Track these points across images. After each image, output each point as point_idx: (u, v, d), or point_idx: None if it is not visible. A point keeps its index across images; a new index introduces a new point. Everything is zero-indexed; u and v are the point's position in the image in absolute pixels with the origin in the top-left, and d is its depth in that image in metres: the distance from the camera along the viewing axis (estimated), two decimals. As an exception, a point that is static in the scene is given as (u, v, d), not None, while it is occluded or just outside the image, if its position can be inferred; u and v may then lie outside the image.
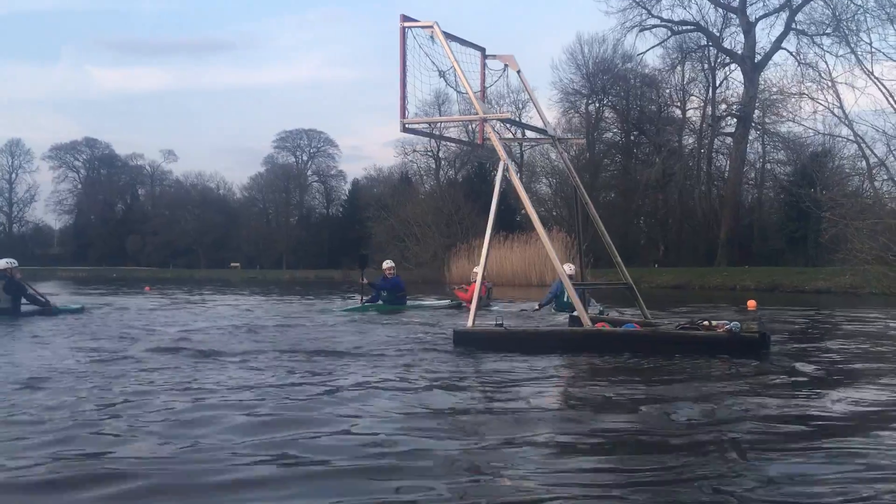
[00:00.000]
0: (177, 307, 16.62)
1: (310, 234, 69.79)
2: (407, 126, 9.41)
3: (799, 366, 7.09)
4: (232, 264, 66.76)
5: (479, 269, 8.66)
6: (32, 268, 50.05)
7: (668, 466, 3.73)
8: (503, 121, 10.09)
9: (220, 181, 78.56)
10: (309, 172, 75.83)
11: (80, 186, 79.90)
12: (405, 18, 9.02)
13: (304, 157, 75.49)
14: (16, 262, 12.56)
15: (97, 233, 74.61)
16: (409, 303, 15.44)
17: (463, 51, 9.87)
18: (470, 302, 16.59)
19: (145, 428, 4.46)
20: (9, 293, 11.98)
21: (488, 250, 8.53)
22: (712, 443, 4.22)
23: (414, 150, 60.66)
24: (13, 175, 78.80)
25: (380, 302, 14.84)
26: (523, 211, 52.52)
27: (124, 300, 19.03)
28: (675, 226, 49.12)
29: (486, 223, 8.71)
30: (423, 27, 9.04)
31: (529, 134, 11.64)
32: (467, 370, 6.73)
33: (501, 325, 8.15)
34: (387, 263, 15.58)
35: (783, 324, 12.10)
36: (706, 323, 7.86)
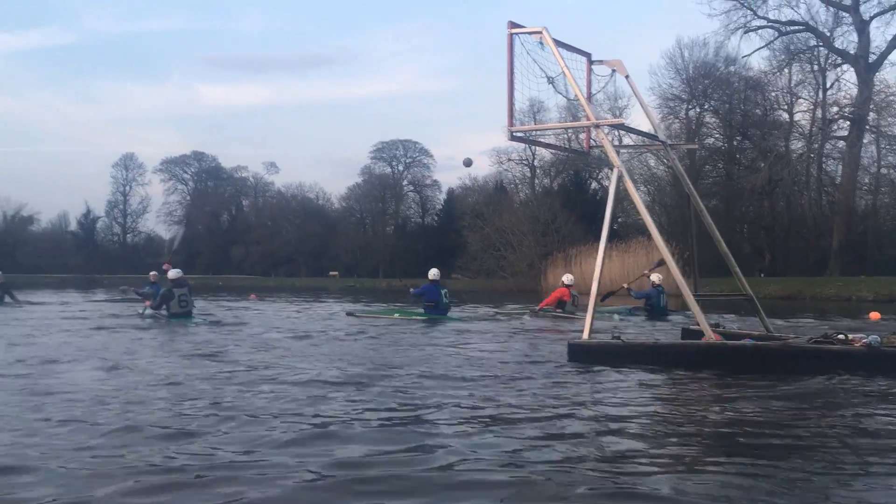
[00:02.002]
0: (291, 315, 17.06)
1: (405, 244, 70.54)
2: (514, 134, 9.29)
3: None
4: (330, 273, 68.18)
5: (594, 276, 8.36)
6: (144, 276, 52.42)
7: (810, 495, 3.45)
8: (614, 127, 9.80)
9: (318, 192, 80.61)
10: (405, 182, 76.77)
11: (188, 198, 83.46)
12: (513, 25, 8.90)
13: (400, 167, 76.55)
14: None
15: (204, 242, 77.57)
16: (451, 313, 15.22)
17: (568, 56, 9.68)
18: (551, 307, 16.49)
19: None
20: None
21: (604, 258, 8.27)
22: (856, 471, 3.89)
23: (509, 160, 60.57)
24: (127, 188, 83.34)
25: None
26: (620, 219, 51.61)
27: (236, 306, 19.71)
28: (782, 233, 47.06)
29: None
30: (530, 33, 8.90)
31: (626, 139, 11.36)
32: (585, 387, 6.48)
33: (618, 337, 7.87)
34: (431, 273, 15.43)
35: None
36: (841, 336, 7.36)
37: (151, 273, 20.02)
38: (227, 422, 4.94)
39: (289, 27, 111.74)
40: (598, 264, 8.25)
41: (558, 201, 48.47)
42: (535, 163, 59.63)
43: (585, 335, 7.99)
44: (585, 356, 7.73)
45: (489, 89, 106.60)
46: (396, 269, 66.47)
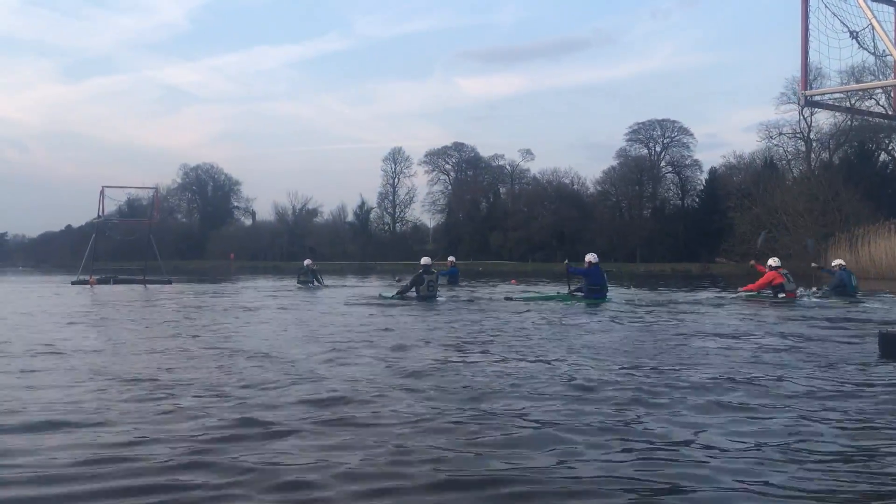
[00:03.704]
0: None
1: (664, 227, 68.06)
2: (809, 99, 8.37)
3: None
4: (586, 258, 67.71)
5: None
6: (409, 262, 55.77)
7: None
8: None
9: (574, 176, 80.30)
10: (662, 163, 74.09)
11: (449, 187, 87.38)
12: (807, -24, 8.01)
13: (657, 149, 73.97)
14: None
15: (465, 229, 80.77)
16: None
17: (874, 8, 8.53)
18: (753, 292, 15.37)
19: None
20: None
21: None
22: None
23: (780, 134, 56.13)
24: (396, 180, 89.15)
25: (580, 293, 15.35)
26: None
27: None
28: None
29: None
30: (829, -16, 7.95)
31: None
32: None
33: (949, 325, 6.80)
34: (590, 256, 15.78)
35: None
36: None
37: (449, 259, 24.42)
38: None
39: (543, 15, 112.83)
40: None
41: (840, 176, 43.94)
42: (811, 135, 54.50)
43: (902, 323, 6.99)
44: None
45: (754, 61, 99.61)
46: (655, 254, 64.37)
